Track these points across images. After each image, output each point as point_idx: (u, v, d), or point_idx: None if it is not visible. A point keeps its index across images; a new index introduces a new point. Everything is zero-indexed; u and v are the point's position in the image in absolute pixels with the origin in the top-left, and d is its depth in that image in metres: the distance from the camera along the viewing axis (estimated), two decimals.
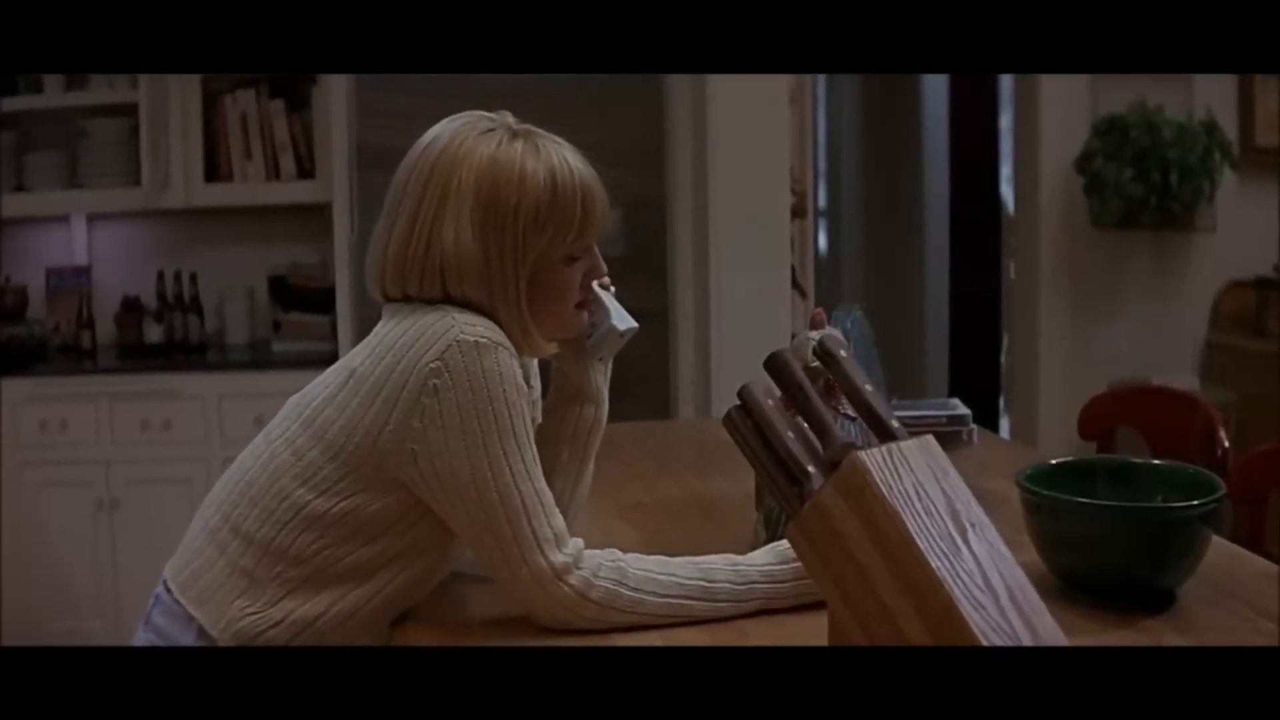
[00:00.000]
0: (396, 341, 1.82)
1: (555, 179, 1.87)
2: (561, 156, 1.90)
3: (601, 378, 2.08)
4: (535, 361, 2.09)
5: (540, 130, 1.94)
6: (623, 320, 2.01)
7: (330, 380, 1.89)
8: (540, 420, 2.07)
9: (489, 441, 1.78)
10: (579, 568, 1.80)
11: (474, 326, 1.80)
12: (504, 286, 1.87)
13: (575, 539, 1.83)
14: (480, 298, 1.86)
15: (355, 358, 1.87)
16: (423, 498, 1.83)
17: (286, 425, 1.90)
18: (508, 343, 1.82)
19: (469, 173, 1.86)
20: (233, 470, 1.95)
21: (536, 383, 2.12)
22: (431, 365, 1.77)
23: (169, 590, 1.92)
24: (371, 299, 1.97)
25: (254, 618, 1.85)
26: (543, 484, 1.82)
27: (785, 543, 1.88)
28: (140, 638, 1.96)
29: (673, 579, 1.84)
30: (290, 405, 1.94)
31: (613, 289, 2.05)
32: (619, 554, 1.85)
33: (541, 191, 1.86)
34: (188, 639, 1.88)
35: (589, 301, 2.00)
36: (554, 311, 1.93)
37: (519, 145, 1.89)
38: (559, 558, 1.79)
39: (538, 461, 1.83)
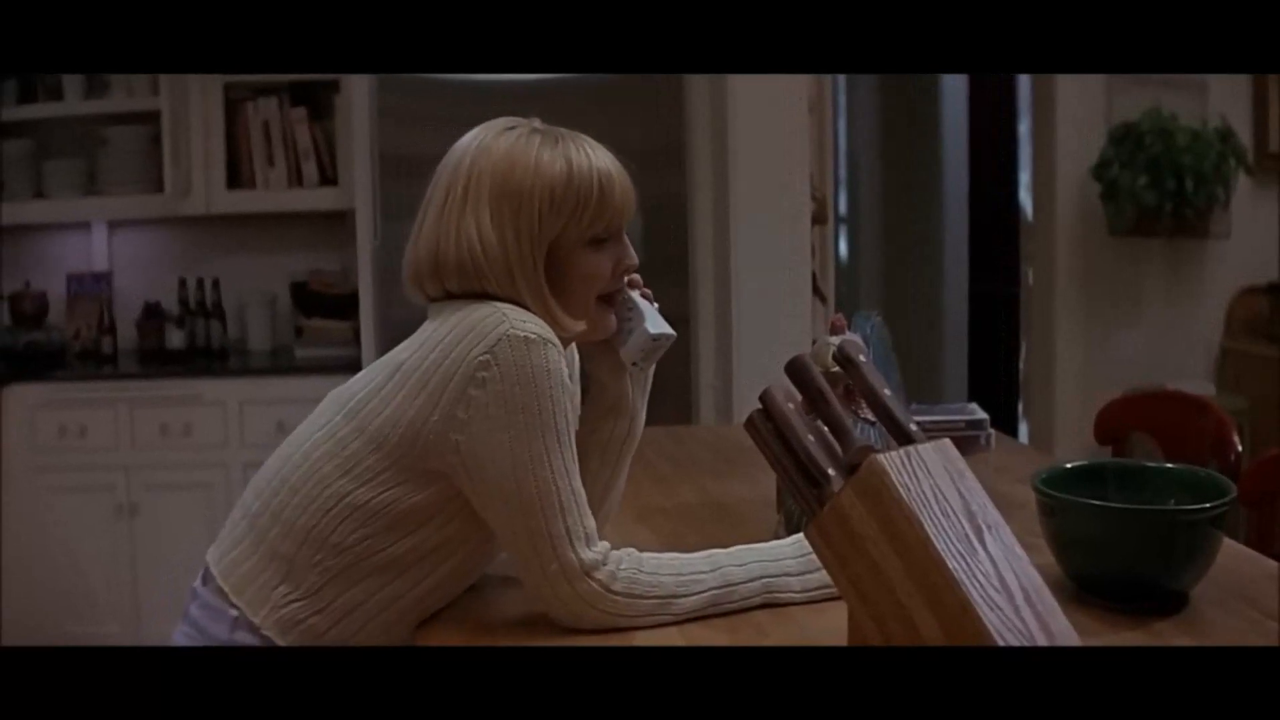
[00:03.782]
0: (446, 335, 1.84)
1: (571, 165, 1.90)
2: (580, 148, 1.93)
3: (638, 391, 2.10)
4: (577, 360, 2.09)
5: (565, 130, 1.97)
6: (656, 324, 1.99)
7: (375, 374, 1.91)
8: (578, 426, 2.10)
9: (532, 436, 1.80)
10: (605, 564, 1.83)
11: (525, 323, 1.82)
12: (523, 269, 1.89)
13: (602, 541, 1.86)
14: (506, 286, 1.89)
15: (401, 353, 1.90)
16: (462, 489, 1.85)
17: (329, 417, 1.93)
18: (556, 340, 1.84)
19: (487, 166, 1.90)
20: (273, 460, 1.98)
21: (577, 385, 2.14)
22: (481, 358, 1.79)
23: (208, 580, 1.94)
24: (394, 304, 2.00)
25: (297, 605, 1.88)
26: (579, 483, 1.84)
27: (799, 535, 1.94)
28: (178, 634, 1.97)
29: (682, 559, 1.90)
30: (330, 399, 1.96)
31: (649, 293, 2.05)
32: (634, 551, 1.89)
33: (557, 176, 1.89)
34: (222, 631, 1.90)
35: (619, 300, 2.01)
36: (577, 299, 1.94)
37: (537, 139, 1.92)
38: (589, 554, 1.82)
39: (576, 460, 1.86)
